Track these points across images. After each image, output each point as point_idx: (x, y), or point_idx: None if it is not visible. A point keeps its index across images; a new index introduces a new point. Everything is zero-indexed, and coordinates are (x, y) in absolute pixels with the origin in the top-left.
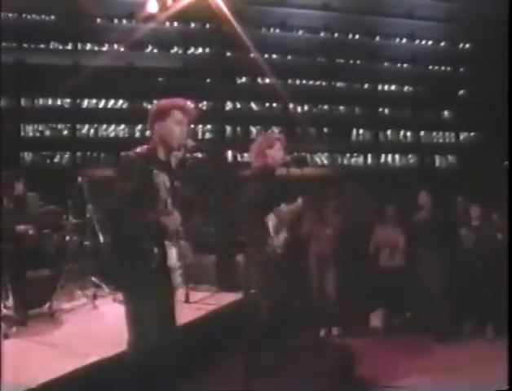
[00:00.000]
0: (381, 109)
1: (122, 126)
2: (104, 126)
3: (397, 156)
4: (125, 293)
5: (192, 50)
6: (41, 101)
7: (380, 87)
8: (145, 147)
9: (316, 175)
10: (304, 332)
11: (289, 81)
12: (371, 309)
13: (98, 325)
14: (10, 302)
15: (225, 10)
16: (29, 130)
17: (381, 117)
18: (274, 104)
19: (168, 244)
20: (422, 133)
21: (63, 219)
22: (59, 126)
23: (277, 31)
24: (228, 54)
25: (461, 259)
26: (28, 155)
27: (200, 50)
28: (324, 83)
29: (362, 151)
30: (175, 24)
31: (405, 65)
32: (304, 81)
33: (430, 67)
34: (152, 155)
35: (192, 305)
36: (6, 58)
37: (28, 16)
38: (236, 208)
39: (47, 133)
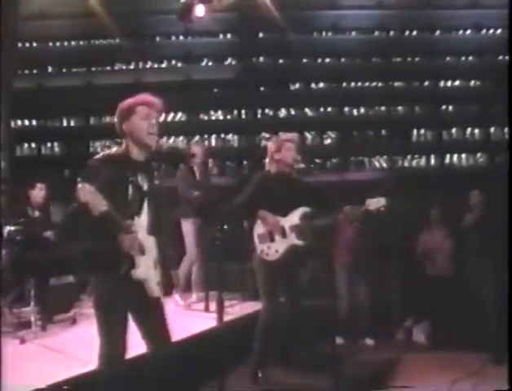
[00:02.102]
0: (444, 107)
1: (181, 138)
2: (165, 139)
3: (463, 156)
4: (94, 305)
5: (245, 60)
6: (107, 118)
7: (442, 84)
8: (117, 149)
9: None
10: (324, 344)
11: (344, 85)
12: (414, 322)
13: None
14: (30, 308)
15: (276, 18)
16: (98, 146)
17: (444, 115)
18: (329, 109)
19: (137, 254)
20: (492, 129)
21: None
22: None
23: (329, 34)
24: (281, 61)
25: None
26: None
27: (253, 59)
28: (380, 84)
29: (424, 152)
30: (228, 35)
31: (470, 58)
32: (359, 83)
33: (500, 57)
34: (123, 156)
35: (210, 315)
36: (76, 81)
37: (96, 42)
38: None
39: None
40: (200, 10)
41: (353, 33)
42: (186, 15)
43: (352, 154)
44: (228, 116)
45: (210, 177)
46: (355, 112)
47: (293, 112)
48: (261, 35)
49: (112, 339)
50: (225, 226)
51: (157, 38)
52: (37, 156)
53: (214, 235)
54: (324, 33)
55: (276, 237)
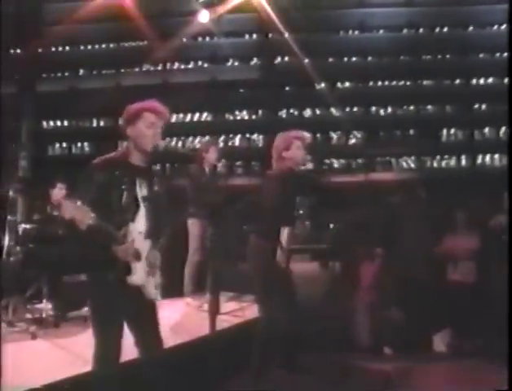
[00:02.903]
0: (476, 105)
1: (207, 138)
2: (191, 138)
3: (497, 156)
4: (89, 307)
5: (270, 60)
6: None
7: (474, 81)
8: (118, 152)
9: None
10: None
11: (371, 83)
12: (435, 330)
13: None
14: (43, 304)
15: (302, 17)
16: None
17: (477, 114)
18: (355, 108)
19: (132, 260)
20: None
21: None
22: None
23: (356, 33)
24: (306, 60)
25: None
26: None
27: (278, 59)
28: (409, 82)
29: (455, 152)
30: (254, 35)
31: (505, 54)
32: (387, 82)
33: None
34: (122, 160)
35: (219, 317)
36: (106, 82)
37: (125, 44)
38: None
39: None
40: (204, 17)
41: (381, 31)
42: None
43: (379, 154)
44: (253, 116)
45: (221, 177)
46: (382, 111)
47: (318, 112)
48: (286, 35)
49: (106, 342)
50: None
51: (184, 39)
52: (67, 156)
53: (214, 236)
54: (350, 32)
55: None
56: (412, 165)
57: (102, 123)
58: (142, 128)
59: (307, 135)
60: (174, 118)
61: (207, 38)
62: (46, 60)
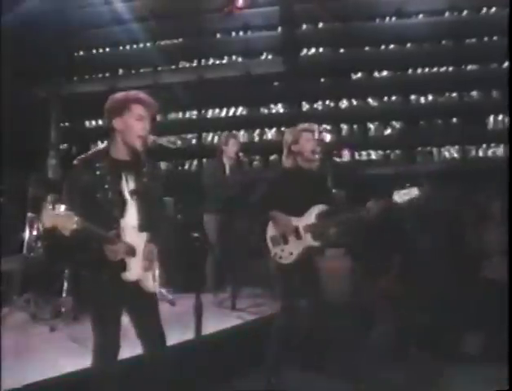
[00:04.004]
0: None
1: (242, 132)
2: (226, 133)
3: None
4: (89, 306)
5: (304, 51)
6: (172, 115)
7: None
8: (99, 148)
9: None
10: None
11: (410, 71)
12: (464, 331)
13: None
14: (63, 298)
15: (336, 6)
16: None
17: None
18: (393, 97)
19: (127, 257)
20: None
21: None
22: (189, 136)
23: (393, 19)
24: (341, 50)
25: None
26: (163, 164)
27: (312, 50)
28: (451, 69)
29: (503, 140)
30: (287, 27)
31: None
32: (427, 69)
33: None
34: (103, 156)
35: (234, 313)
36: (144, 81)
37: (162, 43)
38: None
39: (178, 143)
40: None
41: (420, 16)
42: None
43: (419, 144)
44: (288, 109)
45: (242, 170)
46: (422, 99)
47: (354, 103)
48: (320, 25)
49: (104, 337)
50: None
51: (218, 35)
52: None
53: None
54: (387, 19)
55: (290, 239)
56: (456, 155)
57: None
58: (129, 120)
59: (316, 127)
60: (209, 113)
61: (240, 33)
62: (88, 62)
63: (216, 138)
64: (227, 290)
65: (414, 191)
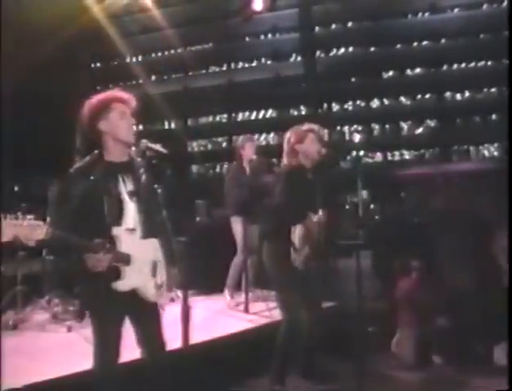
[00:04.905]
0: None
1: (272, 134)
2: (256, 136)
3: None
4: (89, 313)
5: (333, 51)
6: (203, 119)
7: None
8: (93, 155)
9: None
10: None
11: (444, 68)
12: (494, 341)
13: None
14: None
15: (365, 4)
16: (195, 146)
17: None
18: (427, 95)
19: (120, 265)
20: None
21: None
22: (219, 140)
23: (426, 15)
24: (372, 49)
25: None
26: (194, 168)
27: (342, 50)
28: (490, 63)
29: None
30: (317, 28)
31: None
32: (463, 65)
33: None
34: (97, 162)
35: (247, 317)
36: (175, 86)
37: (192, 48)
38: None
39: (209, 146)
40: (258, 4)
41: (455, 10)
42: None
43: (456, 143)
44: (319, 110)
45: (261, 173)
46: (458, 96)
47: (386, 102)
48: (350, 24)
49: (104, 344)
50: None
51: (247, 38)
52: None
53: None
54: (420, 15)
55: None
56: (496, 153)
57: (173, 125)
58: (115, 120)
59: (320, 128)
60: (240, 116)
61: (269, 35)
62: (123, 70)
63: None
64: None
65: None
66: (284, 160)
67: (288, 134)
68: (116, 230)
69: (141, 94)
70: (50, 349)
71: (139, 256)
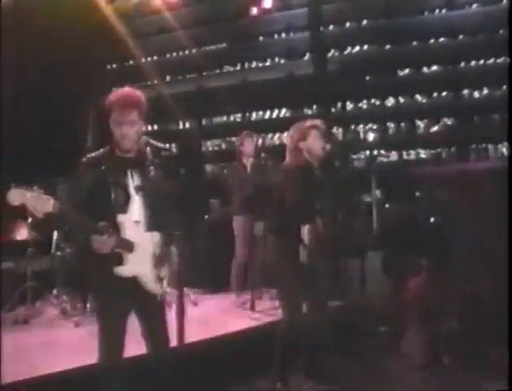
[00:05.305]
0: None
1: (285, 134)
2: (270, 135)
3: None
4: (94, 305)
5: (348, 49)
6: (217, 119)
7: None
8: (105, 148)
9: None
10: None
11: (462, 65)
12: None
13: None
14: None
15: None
16: (209, 145)
17: None
18: (444, 93)
19: (123, 252)
20: None
21: None
22: (233, 139)
23: (443, 11)
24: (388, 46)
25: None
26: (208, 167)
27: (356, 48)
28: (509, 59)
29: None
30: (331, 26)
31: None
32: (482, 62)
33: None
34: (107, 155)
35: (252, 315)
36: (189, 86)
37: (207, 48)
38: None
39: (223, 146)
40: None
41: (474, 6)
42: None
43: (474, 141)
44: (332, 109)
45: (263, 171)
46: (476, 94)
47: (401, 100)
48: (365, 22)
49: (108, 338)
50: None
51: (260, 38)
52: None
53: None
54: (437, 11)
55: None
56: None
57: (187, 125)
58: (112, 125)
59: (322, 124)
60: (253, 116)
61: (283, 34)
62: (138, 70)
63: (260, 140)
64: (248, 291)
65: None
66: (288, 158)
67: (290, 132)
68: (121, 218)
69: (156, 95)
70: (55, 343)
71: (143, 246)
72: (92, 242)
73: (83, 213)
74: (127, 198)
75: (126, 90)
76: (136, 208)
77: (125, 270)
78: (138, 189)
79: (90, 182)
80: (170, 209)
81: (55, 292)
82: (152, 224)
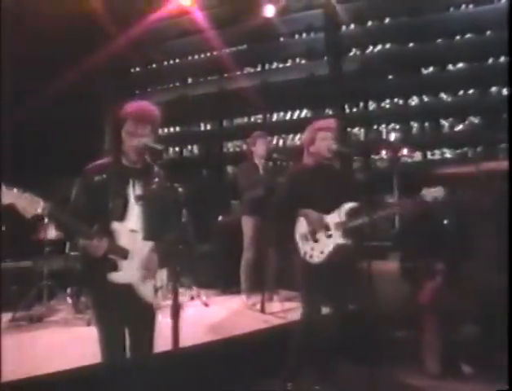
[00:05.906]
0: None
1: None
2: (291, 136)
3: None
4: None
5: (370, 48)
6: (238, 120)
7: None
8: (111, 156)
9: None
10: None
11: (490, 61)
12: None
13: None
14: None
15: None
16: (230, 146)
17: None
18: (470, 91)
19: (118, 258)
20: None
21: None
22: None
23: (470, 7)
24: (411, 44)
25: None
26: (229, 168)
27: (379, 47)
28: None
29: None
30: (352, 26)
31: None
32: (509, 58)
33: None
34: (114, 163)
35: (263, 317)
36: (210, 88)
37: (227, 50)
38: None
39: (244, 147)
40: (269, 11)
41: (502, 1)
42: None
43: (502, 140)
44: (354, 109)
45: (274, 171)
46: (504, 91)
47: (426, 99)
48: (387, 20)
49: (107, 339)
50: None
51: (281, 39)
52: (179, 158)
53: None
54: (463, 7)
55: (320, 237)
56: None
57: (209, 126)
58: (123, 135)
59: (333, 123)
60: (274, 116)
61: (303, 35)
62: (161, 73)
63: (281, 141)
64: (259, 292)
65: (441, 191)
66: (304, 160)
67: (303, 135)
68: (116, 225)
69: (177, 97)
70: (67, 342)
71: (139, 255)
72: (87, 247)
73: (77, 217)
74: (126, 206)
75: (143, 103)
76: (134, 217)
77: (119, 277)
78: (138, 198)
79: (90, 188)
80: (171, 220)
81: (68, 290)
82: (150, 233)
